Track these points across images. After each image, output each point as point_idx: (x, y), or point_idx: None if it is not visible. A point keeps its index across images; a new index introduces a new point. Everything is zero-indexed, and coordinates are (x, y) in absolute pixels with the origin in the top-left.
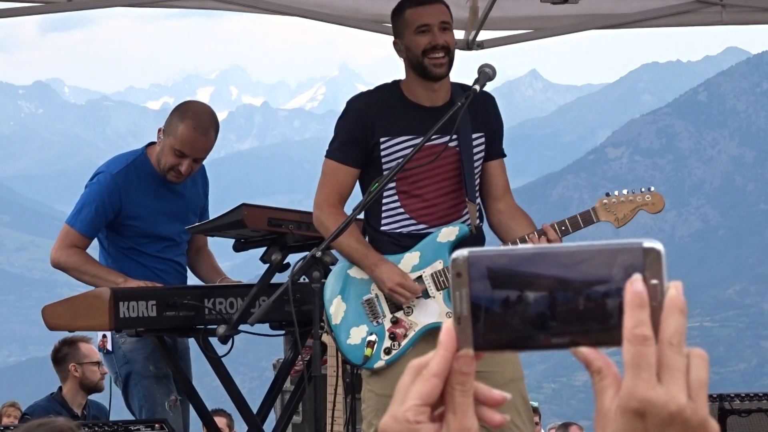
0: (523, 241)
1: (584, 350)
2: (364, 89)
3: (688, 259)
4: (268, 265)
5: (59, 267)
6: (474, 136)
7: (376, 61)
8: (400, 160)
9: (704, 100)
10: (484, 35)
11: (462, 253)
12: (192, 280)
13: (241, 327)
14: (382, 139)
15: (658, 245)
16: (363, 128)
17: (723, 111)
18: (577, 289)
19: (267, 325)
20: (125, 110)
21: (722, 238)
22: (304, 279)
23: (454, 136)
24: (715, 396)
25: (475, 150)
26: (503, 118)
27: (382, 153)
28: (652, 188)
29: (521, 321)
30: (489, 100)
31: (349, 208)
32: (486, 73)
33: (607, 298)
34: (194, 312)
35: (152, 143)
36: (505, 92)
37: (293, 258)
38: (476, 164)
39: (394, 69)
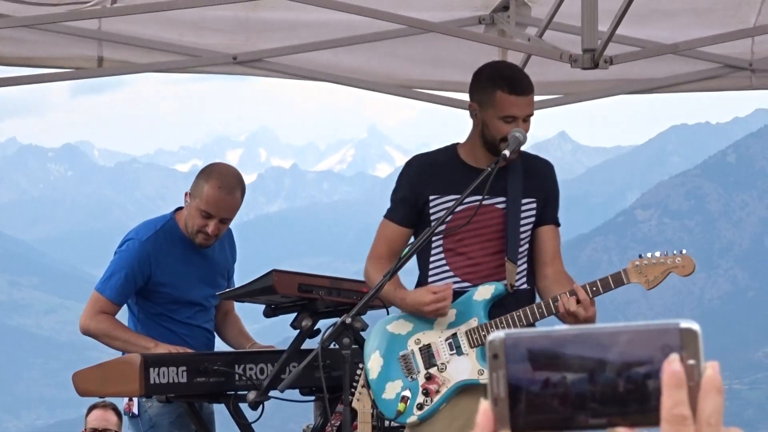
0: (555, 300)
1: (621, 431)
2: (393, 151)
3: (718, 321)
4: (298, 330)
5: (89, 334)
6: (524, 200)
7: (405, 122)
8: (449, 217)
9: (733, 161)
10: None
11: (498, 335)
12: (219, 344)
13: (272, 393)
14: (431, 197)
15: (695, 325)
16: (413, 188)
17: (752, 173)
18: (617, 371)
19: (297, 390)
20: (154, 173)
21: (752, 300)
22: (334, 345)
23: (503, 198)
24: None
25: (524, 214)
26: None
27: (431, 211)
28: (684, 251)
29: (561, 402)
30: (548, 167)
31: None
32: (516, 138)
33: (648, 380)
34: (224, 378)
35: (180, 208)
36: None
37: (324, 324)
38: (523, 228)
39: (423, 130)
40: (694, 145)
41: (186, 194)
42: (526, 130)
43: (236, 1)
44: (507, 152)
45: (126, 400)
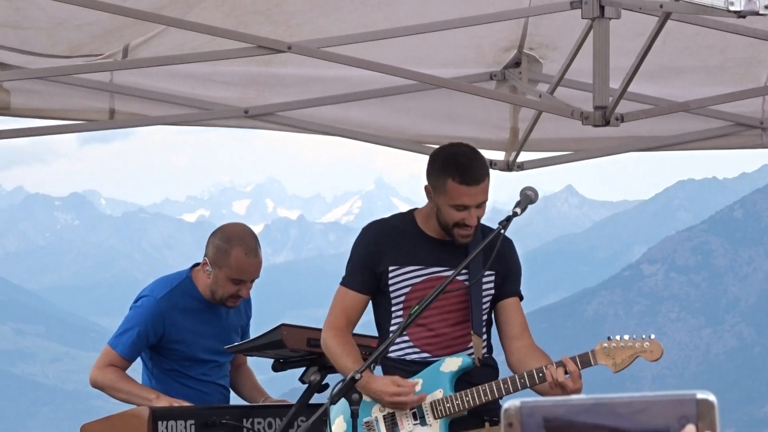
0: (540, 372)
1: None
2: (400, 203)
3: (723, 376)
4: (306, 384)
5: (96, 386)
6: (485, 272)
7: (412, 175)
8: (407, 289)
9: (740, 217)
10: (524, 156)
11: (514, 403)
12: (233, 398)
13: None
14: (390, 268)
15: (711, 397)
16: (372, 256)
17: (759, 228)
18: None
19: None
20: (161, 222)
21: (758, 356)
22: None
23: (464, 270)
24: None
25: (485, 286)
26: (539, 234)
27: (390, 281)
28: (653, 336)
29: None
30: (506, 242)
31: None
32: (528, 197)
33: None
34: None
35: (196, 265)
36: (541, 208)
37: (332, 379)
38: (485, 300)
39: None
40: (701, 201)
41: (205, 263)
42: (480, 216)
43: (248, 56)
44: (518, 210)
45: None
